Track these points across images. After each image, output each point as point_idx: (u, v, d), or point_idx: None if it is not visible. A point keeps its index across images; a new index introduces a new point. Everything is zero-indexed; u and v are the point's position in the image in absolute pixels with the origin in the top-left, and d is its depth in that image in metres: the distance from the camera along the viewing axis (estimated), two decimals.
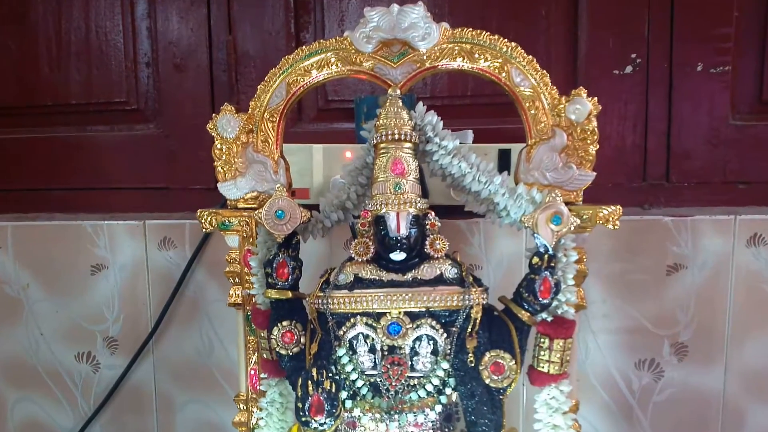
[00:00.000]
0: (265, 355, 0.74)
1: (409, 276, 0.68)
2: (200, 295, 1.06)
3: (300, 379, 0.65)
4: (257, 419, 0.76)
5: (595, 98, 0.70)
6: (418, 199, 0.68)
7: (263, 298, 0.72)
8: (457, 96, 1.06)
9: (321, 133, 1.08)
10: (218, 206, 0.99)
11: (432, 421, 0.68)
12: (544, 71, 0.70)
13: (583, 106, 0.70)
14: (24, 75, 1.12)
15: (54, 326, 1.10)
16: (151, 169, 1.11)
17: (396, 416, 0.68)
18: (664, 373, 1.02)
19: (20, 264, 1.09)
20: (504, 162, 0.98)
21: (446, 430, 0.69)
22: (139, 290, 1.08)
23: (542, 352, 0.69)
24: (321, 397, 0.65)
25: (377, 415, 0.68)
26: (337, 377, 0.67)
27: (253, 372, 0.79)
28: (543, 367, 0.69)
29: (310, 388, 0.65)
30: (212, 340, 1.07)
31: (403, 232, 0.67)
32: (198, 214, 0.76)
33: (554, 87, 0.70)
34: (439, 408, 0.68)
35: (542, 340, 0.69)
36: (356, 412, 0.68)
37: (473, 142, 1.00)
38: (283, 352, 0.70)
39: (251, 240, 0.76)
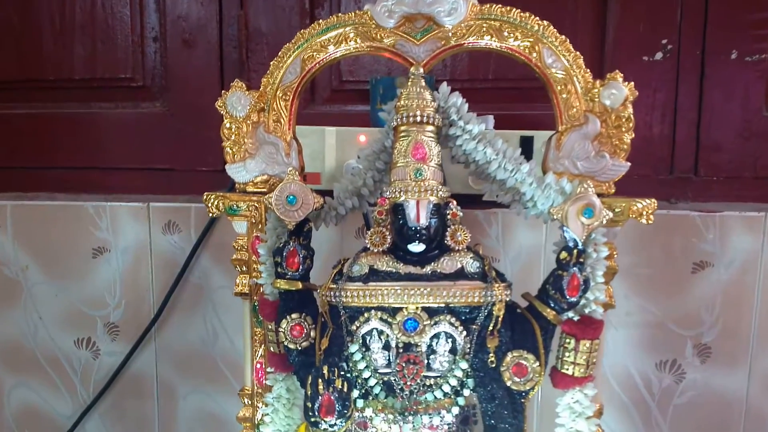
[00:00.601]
0: (272, 348, 0.70)
1: (428, 269, 0.64)
2: (205, 281, 1.02)
3: (310, 377, 0.62)
4: (263, 415, 0.73)
5: (632, 83, 0.65)
6: (440, 186, 0.63)
7: (272, 288, 0.68)
8: (479, 79, 1.01)
9: (334, 115, 1.03)
10: (226, 190, 0.95)
11: (448, 424, 0.64)
12: (578, 53, 0.66)
13: (619, 91, 0.65)
14: (26, 48, 1.08)
15: (53, 310, 1.07)
16: (157, 149, 1.07)
17: (410, 417, 0.64)
18: (685, 374, 0.98)
19: (19, 245, 1.05)
20: (526, 150, 0.93)
21: None
22: (141, 275, 1.04)
23: (567, 353, 0.65)
24: (332, 397, 0.61)
25: (390, 416, 0.64)
26: (349, 375, 0.63)
27: (259, 366, 0.75)
28: (567, 369, 0.65)
29: (321, 387, 0.61)
30: (217, 328, 1.03)
31: (423, 222, 0.62)
32: (204, 197, 0.72)
33: (588, 70, 0.66)
34: (456, 410, 0.64)
35: (568, 340, 0.65)
36: (368, 412, 0.64)
37: (494, 128, 0.96)
38: (291, 346, 0.66)
39: (260, 226, 0.72)
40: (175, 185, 1.06)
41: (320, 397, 0.61)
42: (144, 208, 1.02)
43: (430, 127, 0.64)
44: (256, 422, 0.75)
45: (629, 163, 0.66)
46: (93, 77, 1.07)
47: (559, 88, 0.66)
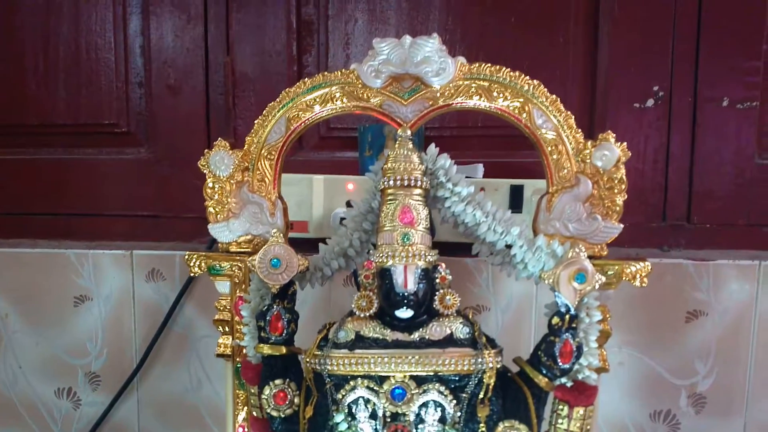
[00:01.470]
0: (255, 413, 0.68)
1: (416, 335, 0.62)
2: (189, 330, 1.00)
3: None
4: None
5: (624, 144, 0.64)
6: (428, 251, 0.61)
7: (255, 351, 0.66)
8: (468, 126, 1.00)
9: (322, 162, 1.02)
10: (207, 246, 0.93)
11: None
12: (569, 113, 0.65)
13: (611, 152, 0.64)
14: (8, 92, 1.06)
15: (33, 359, 1.04)
16: (141, 196, 1.05)
17: None
18: (680, 425, 0.95)
19: (0, 292, 1.03)
20: (516, 199, 0.92)
21: None
22: (124, 324, 1.01)
23: (560, 420, 0.63)
24: None
25: None
26: None
27: (241, 430, 0.72)
28: None
29: None
30: (201, 377, 1.01)
31: (411, 287, 0.61)
32: (186, 257, 0.71)
33: (579, 130, 0.64)
34: None
35: (561, 407, 0.63)
36: None
37: (483, 177, 0.95)
38: (274, 413, 0.64)
39: (244, 286, 0.70)
40: (159, 232, 1.04)
41: None
42: (127, 256, 1.00)
43: (418, 191, 0.62)
44: None
45: (622, 225, 0.64)
46: (77, 122, 1.05)
47: (549, 149, 0.65)
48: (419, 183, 0.62)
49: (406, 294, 0.60)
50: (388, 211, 0.62)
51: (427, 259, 0.61)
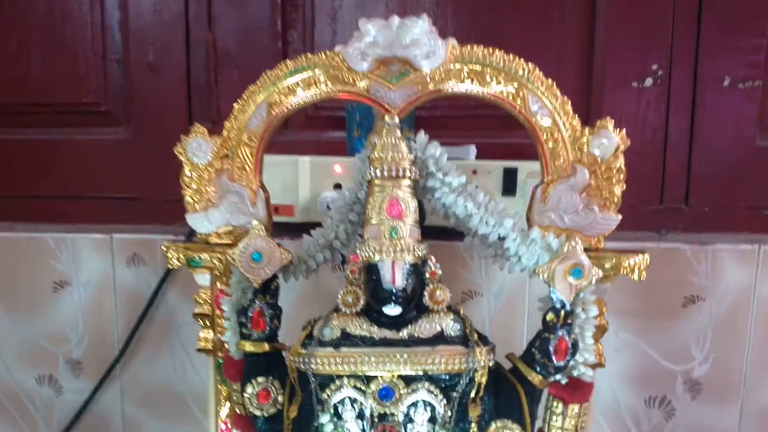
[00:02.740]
0: (238, 410, 0.66)
1: (404, 333, 0.59)
2: (172, 317, 0.97)
3: None
4: None
5: (623, 131, 0.60)
6: (417, 245, 0.58)
7: (236, 348, 0.63)
8: (460, 106, 0.96)
9: (309, 142, 0.98)
10: (187, 234, 0.89)
11: None
12: (565, 98, 0.61)
13: (610, 140, 0.61)
14: None
15: (12, 346, 1.01)
16: (120, 177, 1.01)
17: None
18: (675, 411, 0.94)
19: None
20: (509, 182, 0.88)
21: None
22: (105, 309, 0.98)
23: (555, 418, 0.61)
24: None
25: None
26: None
27: (224, 426, 0.70)
28: None
29: None
30: (186, 365, 0.98)
31: (399, 284, 0.58)
32: (163, 248, 0.67)
33: (576, 116, 0.61)
34: None
35: (555, 404, 0.61)
36: None
37: (476, 159, 0.91)
38: (257, 413, 0.62)
39: (225, 279, 0.67)
40: (139, 214, 1.00)
41: None
42: (107, 240, 0.97)
43: (407, 181, 0.59)
44: None
45: (620, 217, 0.62)
46: (53, 102, 1.01)
47: (545, 136, 0.61)
48: (408, 174, 0.59)
49: (394, 290, 0.58)
50: (375, 203, 0.59)
51: (416, 254, 0.58)
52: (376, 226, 0.58)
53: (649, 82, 0.93)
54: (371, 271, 0.58)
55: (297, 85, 0.64)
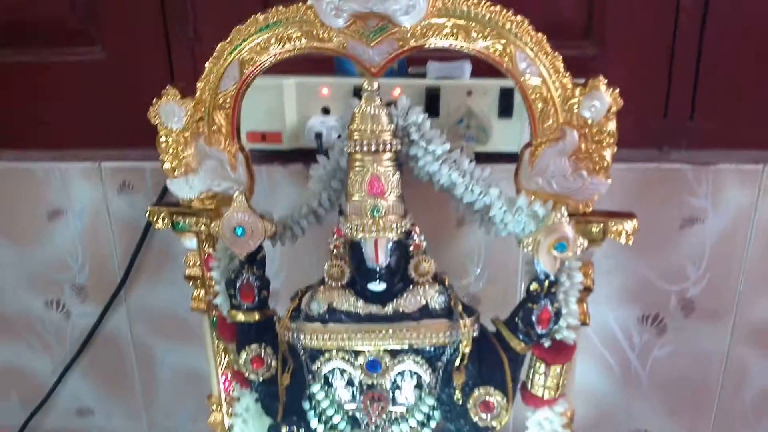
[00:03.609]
0: (235, 367, 0.67)
1: (389, 308, 0.60)
2: (168, 246, 0.97)
3: None
4: (232, 424, 0.71)
5: (617, 90, 0.57)
6: (400, 221, 0.57)
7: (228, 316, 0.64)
8: None
9: (293, 61, 0.92)
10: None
11: None
12: (556, 54, 0.57)
13: (602, 102, 0.57)
14: None
15: (17, 273, 1.02)
16: (99, 100, 0.96)
17: None
18: (667, 328, 0.95)
19: None
20: (506, 103, 0.84)
21: None
22: (102, 237, 0.98)
23: (537, 376, 0.63)
24: None
25: None
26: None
27: (224, 377, 0.72)
28: (537, 391, 0.63)
29: None
30: (185, 289, 0.99)
31: (382, 262, 0.57)
32: (148, 211, 0.66)
33: (567, 74, 0.57)
34: None
35: (538, 365, 0.62)
36: None
37: (471, 77, 0.86)
38: (253, 377, 0.64)
39: (212, 242, 0.66)
40: (125, 138, 0.95)
41: None
42: (96, 169, 0.95)
43: (388, 155, 0.56)
44: (227, 428, 0.74)
45: (609, 181, 0.59)
46: (18, 21, 0.94)
47: (533, 96, 0.58)
48: (389, 146, 0.56)
49: (377, 268, 0.57)
50: (356, 179, 0.57)
51: (399, 231, 0.57)
52: (358, 203, 0.57)
53: None
54: (355, 248, 0.58)
55: (269, 42, 0.59)
